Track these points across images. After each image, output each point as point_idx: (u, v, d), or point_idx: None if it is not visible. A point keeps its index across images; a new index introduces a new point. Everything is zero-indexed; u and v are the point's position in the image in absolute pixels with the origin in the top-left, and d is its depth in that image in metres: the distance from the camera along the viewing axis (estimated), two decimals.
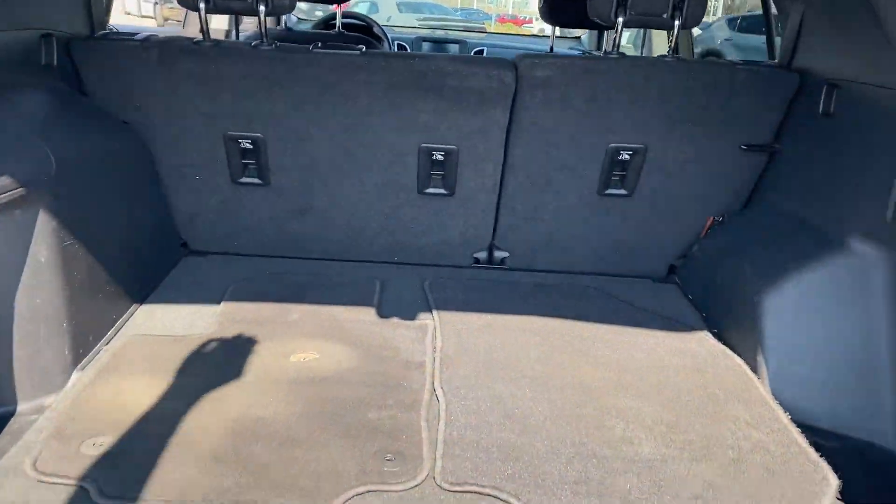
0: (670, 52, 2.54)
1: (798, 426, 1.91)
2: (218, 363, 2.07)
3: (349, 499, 1.56)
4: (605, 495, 1.62)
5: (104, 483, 1.55)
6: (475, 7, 33.72)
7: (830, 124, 2.33)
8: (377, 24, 5.04)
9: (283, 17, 4.74)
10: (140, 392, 1.90)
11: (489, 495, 1.60)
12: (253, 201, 2.72)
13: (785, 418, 1.95)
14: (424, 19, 10.05)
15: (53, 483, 1.55)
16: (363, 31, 4.62)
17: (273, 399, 1.91)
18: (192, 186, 2.68)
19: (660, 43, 4.36)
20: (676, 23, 2.40)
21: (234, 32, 4.05)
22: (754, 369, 2.18)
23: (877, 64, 2.10)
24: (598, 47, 4.32)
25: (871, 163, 2.09)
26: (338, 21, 4.16)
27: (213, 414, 1.83)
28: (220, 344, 2.17)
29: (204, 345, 2.16)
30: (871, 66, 2.14)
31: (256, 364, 2.07)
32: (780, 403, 2.02)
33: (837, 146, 2.28)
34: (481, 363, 2.16)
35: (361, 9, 10.02)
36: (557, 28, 3.83)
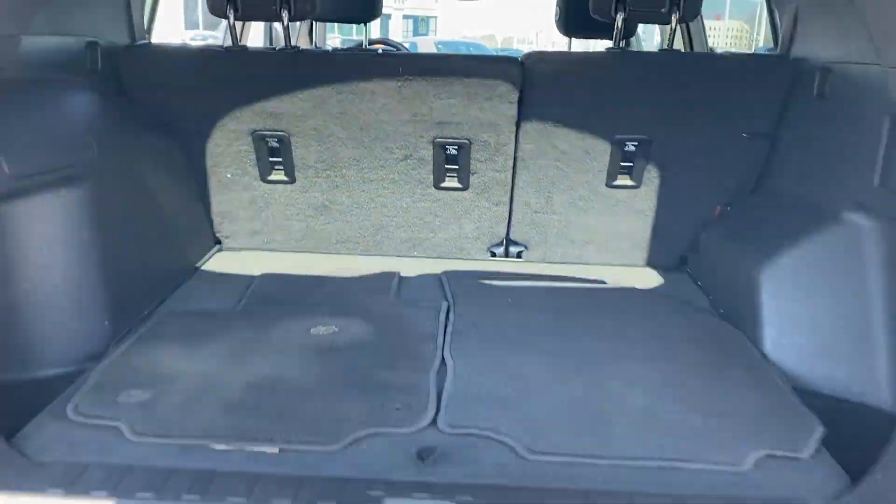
0: (669, 46, 2.67)
1: (795, 391, 1.98)
2: (244, 335, 2.23)
3: (357, 439, 1.68)
4: (597, 435, 1.72)
5: (135, 424, 1.71)
6: (515, 47, 34.29)
7: (824, 106, 2.42)
8: (406, 48, 5.27)
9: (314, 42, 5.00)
10: (172, 357, 2.07)
11: (486, 437, 1.71)
12: (280, 199, 2.91)
13: (780, 380, 2.02)
14: None
15: (91, 424, 1.72)
16: None
17: (292, 362, 2.06)
18: (224, 185, 2.88)
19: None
20: (674, 17, 2.54)
21: (268, 43, 4.38)
22: (754, 340, 2.26)
23: (863, 44, 2.20)
24: None
25: (859, 137, 2.18)
26: (365, 40, 4.37)
27: (236, 373, 1.98)
28: (247, 319, 2.34)
29: (232, 320, 2.34)
30: (858, 46, 2.24)
31: (279, 335, 2.23)
32: (779, 369, 2.09)
33: (830, 125, 2.37)
34: (491, 335, 2.28)
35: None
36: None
